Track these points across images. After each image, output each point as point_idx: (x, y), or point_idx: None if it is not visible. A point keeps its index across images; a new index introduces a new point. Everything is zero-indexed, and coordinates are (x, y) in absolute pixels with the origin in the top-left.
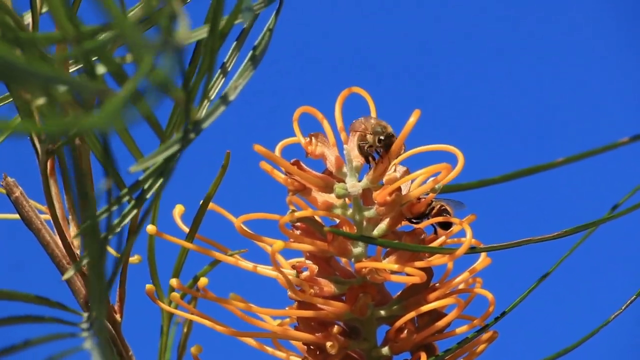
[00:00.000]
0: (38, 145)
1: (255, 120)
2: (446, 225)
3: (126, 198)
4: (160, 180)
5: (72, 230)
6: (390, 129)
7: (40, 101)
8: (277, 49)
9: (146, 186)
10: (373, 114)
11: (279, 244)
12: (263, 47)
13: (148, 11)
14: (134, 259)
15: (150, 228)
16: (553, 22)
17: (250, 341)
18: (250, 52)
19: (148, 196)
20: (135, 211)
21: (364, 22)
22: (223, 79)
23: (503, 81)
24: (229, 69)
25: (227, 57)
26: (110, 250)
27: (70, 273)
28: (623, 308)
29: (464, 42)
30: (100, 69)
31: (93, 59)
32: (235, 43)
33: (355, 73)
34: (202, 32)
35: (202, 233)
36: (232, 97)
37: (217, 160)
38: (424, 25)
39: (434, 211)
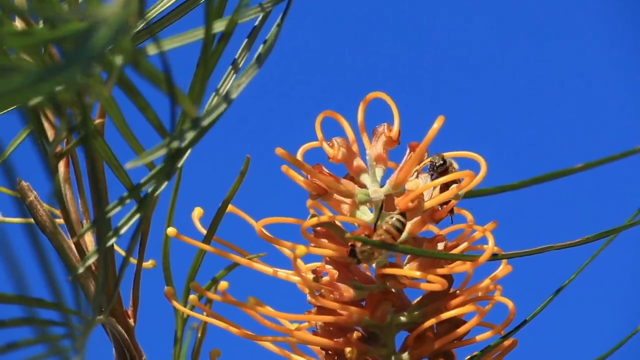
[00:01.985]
0: (47, 148)
1: (279, 124)
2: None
3: (129, 200)
4: (165, 182)
5: (86, 234)
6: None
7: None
8: (300, 53)
9: (151, 187)
10: (396, 119)
11: (301, 248)
12: (269, 45)
13: None
14: (148, 263)
15: (171, 230)
16: (576, 30)
17: (267, 345)
18: (259, 49)
19: (154, 198)
20: (139, 213)
21: (384, 25)
22: (234, 76)
23: (522, 87)
24: (240, 66)
25: (238, 54)
26: (122, 252)
27: (77, 272)
28: None
29: (485, 49)
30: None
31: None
32: (246, 40)
33: (377, 77)
34: (200, 32)
35: (220, 237)
36: (234, 96)
37: (240, 163)
38: (445, 29)
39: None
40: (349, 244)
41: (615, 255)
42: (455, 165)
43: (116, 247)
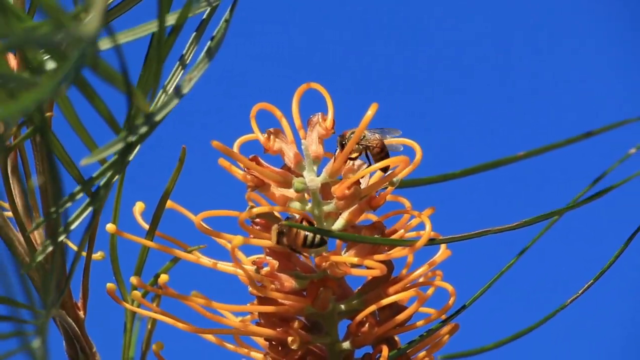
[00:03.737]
0: None
1: (214, 117)
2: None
3: (81, 194)
4: (117, 176)
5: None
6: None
7: None
8: (236, 44)
9: (103, 181)
10: (330, 108)
11: (238, 239)
12: (219, 39)
13: None
14: (97, 255)
15: (110, 227)
16: (518, 19)
17: (212, 338)
18: (207, 44)
19: (105, 192)
20: (91, 207)
21: (322, 16)
22: (182, 71)
23: (462, 75)
24: (188, 61)
25: (186, 49)
26: (72, 246)
27: (29, 267)
28: (580, 293)
29: (423, 33)
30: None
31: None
32: (193, 35)
33: (312, 68)
34: (152, 26)
35: (166, 230)
36: (185, 90)
37: (177, 158)
38: (381, 17)
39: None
40: (277, 229)
41: (557, 239)
42: (370, 134)
43: (66, 240)
